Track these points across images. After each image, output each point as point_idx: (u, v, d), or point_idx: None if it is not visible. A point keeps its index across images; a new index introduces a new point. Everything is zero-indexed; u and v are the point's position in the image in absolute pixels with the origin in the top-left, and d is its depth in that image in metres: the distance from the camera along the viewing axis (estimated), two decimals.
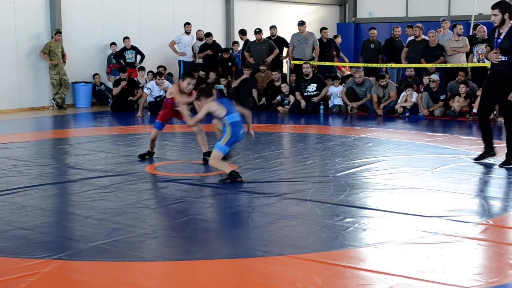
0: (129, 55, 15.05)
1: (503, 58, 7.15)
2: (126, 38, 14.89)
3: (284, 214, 5.36)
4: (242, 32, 15.85)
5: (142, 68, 14.87)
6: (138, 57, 15.16)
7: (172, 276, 4.02)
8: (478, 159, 7.61)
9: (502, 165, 7.33)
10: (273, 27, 15.09)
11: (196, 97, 7.27)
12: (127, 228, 4.90)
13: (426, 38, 13.84)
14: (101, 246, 4.48)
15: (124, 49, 14.98)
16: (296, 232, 4.88)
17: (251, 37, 15.12)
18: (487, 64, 12.29)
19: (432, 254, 4.30)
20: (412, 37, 14.17)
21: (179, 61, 15.53)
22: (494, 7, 7.17)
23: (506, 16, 7.11)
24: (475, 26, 13.84)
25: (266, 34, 15.05)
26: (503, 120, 11.20)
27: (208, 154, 7.47)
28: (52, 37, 13.81)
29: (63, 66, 14.07)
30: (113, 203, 5.72)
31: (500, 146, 7.82)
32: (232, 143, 6.81)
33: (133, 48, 15.06)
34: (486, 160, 7.54)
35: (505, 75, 7.14)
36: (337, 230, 4.85)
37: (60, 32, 13.86)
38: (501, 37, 7.16)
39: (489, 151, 7.58)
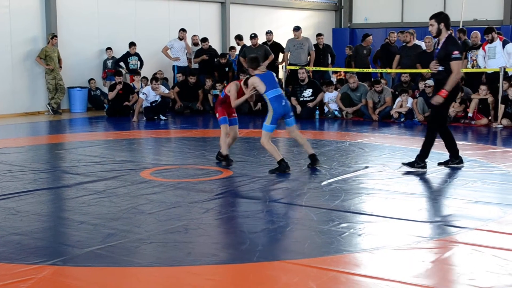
0: (133, 61, 15.06)
1: (440, 68, 7.22)
2: (132, 44, 14.88)
3: (279, 219, 5.36)
4: (239, 38, 15.86)
5: (138, 73, 14.86)
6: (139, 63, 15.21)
7: (167, 282, 4.00)
8: (442, 163, 7.63)
9: (406, 164, 7.43)
10: (269, 33, 15.10)
11: (246, 71, 7.62)
12: (122, 234, 4.89)
13: (417, 43, 13.90)
14: (96, 251, 4.47)
15: (128, 54, 14.98)
16: (292, 238, 4.88)
17: (248, 42, 15.13)
18: (482, 69, 12.36)
19: (427, 260, 4.30)
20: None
21: (173, 66, 15.54)
22: (431, 18, 7.30)
23: (442, 26, 7.20)
24: (463, 31, 13.90)
25: (261, 39, 15.06)
26: (498, 125, 11.28)
27: (220, 154, 7.87)
28: (48, 42, 13.79)
29: (59, 71, 14.04)
30: (108, 208, 5.71)
31: (495, 151, 7.82)
32: (276, 119, 7.30)
33: (136, 54, 15.08)
34: (481, 166, 7.54)
35: (443, 85, 7.18)
36: (333, 236, 4.85)
37: (56, 36, 13.84)
38: (438, 47, 7.25)
39: (455, 158, 7.55)
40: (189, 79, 14.35)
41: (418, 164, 7.35)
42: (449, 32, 7.25)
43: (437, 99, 7.16)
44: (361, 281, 3.94)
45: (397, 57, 13.90)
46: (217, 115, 7.99)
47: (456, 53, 7.08)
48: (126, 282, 4.01)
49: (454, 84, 7.12)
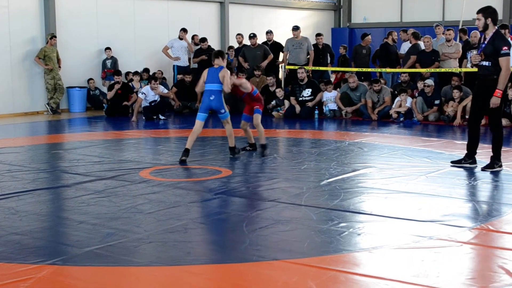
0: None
1: (486, 63, 7.21)
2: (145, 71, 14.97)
3: (278, 218, 5.36)
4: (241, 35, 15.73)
5: (137, 73, 14.85)
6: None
7: (166, 281, 4.00)
8: (455, 162, 7.67)
9: (485, 168, 7.38)
10: (269, 32, 15.09)
11: (245, 71, 8.58)
12: (121, 233, 4.89)
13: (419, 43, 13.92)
14: (95, 251, 4.47)
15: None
16: (291, 237, 4.88)
17: (246, 42, 15.12)
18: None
19: (427, 259, 4.30)
20: (408, 43, 14.26)
21: (173, 66, 15.54)
22: (478, 12, 7.30)
23: (489, 21, 7.18)
24: (464, 30, 13.90)
25: (261, 39, 15.05)
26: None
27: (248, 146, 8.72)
28: (47, 42, 13.78)
29: (58, 71, 14.04)
30: (107, 208, 5.71)
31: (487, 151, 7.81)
32: (203, 109, 8.23)
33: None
34: (481, 165, 7.53)
35: (489, 80, 7.20)
36: (332, 235, 4.85)
37: (55, 37, 13.85)
38: (485, 42, 7.24)
39: (468, 158, 7.59)
40: (185, 78, 14.36)
41: (497, 165, 7.36)
42: (496, 27, 7.24)
43: (495, 101, 7.14)
44: (361, 281, 3.94)
45: (413, 57, 13.74)
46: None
47: (505, 49, 7.08)
48: (125, 282, 4.01)
49: (506, 81, 7.13)
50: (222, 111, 8.23)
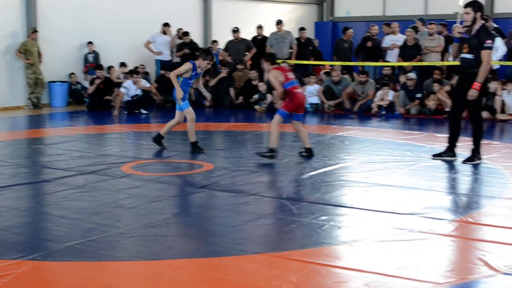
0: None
1: (469, 56, 7.26)
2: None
3: (260, 212, 5.37)
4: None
5: (124, 65, 14.73)
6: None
7: (147, 276, 3.99)
8: (436, 155, 7.71)
9: (465, 161, 7.43)
10: (259, 27, 15.05)
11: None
12: (102, 228, 4.87)
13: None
14: (75, 246, 4.44)
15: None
16: (272, 231, 4.89)
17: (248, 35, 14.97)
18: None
19: (407, 251, 4.33)
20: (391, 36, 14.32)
21: (156, 60, 15.46)
22: (467, 5, 7.33)
23: (478, 15, 7.24)
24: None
25: (244, 33, 15.01)
26: None
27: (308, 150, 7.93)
28: (29, 36, 13.66)
29: (39, 65, 13.92)
30: (88, 202, 5.68)
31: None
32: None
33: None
34: (461, 158, 7.59)
35: (469, 73, 7.25)
36: (313, 228, 4.86)
37: (37, 31, 13.73)
38: (469, 35, 7.29)
39: (449, 151, 7.64)
40: (166, 74, 14.29)
41: (477, 158, 7.40)
42: (482, 21, 7.28)
43: (472, 93, 7.17)
44: (341, 273, 3.95)
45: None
46: None
47: (488, 42, 7.13)
48: (106, 276, 3.99)
49: (486, 74, 7.17)
50: (177, 101, 8.62)
